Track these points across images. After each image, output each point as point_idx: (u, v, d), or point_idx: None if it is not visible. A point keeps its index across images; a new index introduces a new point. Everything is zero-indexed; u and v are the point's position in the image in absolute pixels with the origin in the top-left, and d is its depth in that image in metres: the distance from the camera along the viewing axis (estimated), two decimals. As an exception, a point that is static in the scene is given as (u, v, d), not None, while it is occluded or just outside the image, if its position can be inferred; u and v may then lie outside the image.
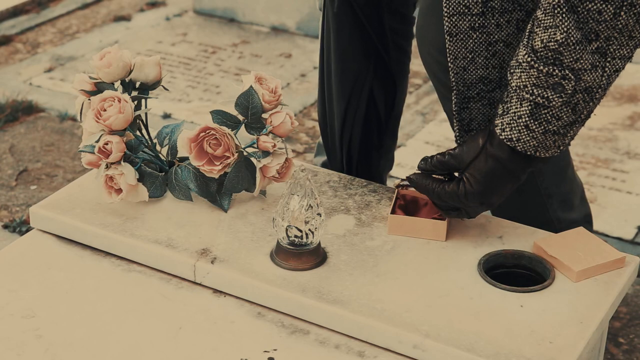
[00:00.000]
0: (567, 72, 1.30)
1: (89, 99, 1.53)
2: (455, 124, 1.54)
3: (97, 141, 1.49)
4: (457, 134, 1.55)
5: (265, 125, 1.52)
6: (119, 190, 1.50)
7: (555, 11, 1.28)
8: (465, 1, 1.43)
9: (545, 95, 1.32)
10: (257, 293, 1.39)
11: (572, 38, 1.29)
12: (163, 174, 1.57)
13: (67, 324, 1.34)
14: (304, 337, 1.34)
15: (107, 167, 1.50)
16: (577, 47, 1.29)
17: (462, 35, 1.45)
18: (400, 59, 1.85)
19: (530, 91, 1.33)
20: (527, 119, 1.34)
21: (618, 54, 1.31)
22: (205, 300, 1.40)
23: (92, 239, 1.50)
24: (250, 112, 1.52)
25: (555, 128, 1.35)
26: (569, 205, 1.78)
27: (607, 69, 1.31)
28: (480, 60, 1.47)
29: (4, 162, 2.72)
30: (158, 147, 1.58)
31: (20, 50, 3.50)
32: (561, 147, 1.38)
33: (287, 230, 1.40)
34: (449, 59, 1.49)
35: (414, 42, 1.86)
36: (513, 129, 1.36)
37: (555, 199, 1.74)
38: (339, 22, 1.75)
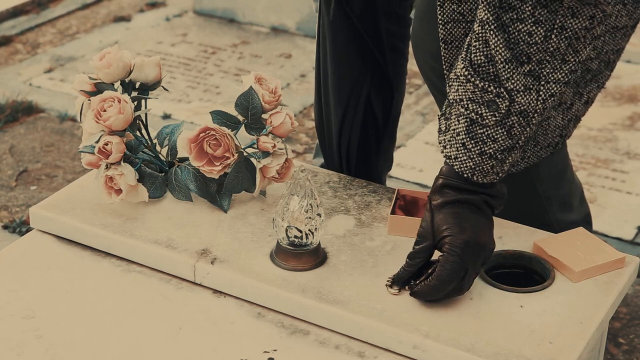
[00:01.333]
0: (501, 90, 1.29)
1: (89, 100, 1.53)
2: None
3: (97, 142, 1.49)
4: None
5: (265, 126, 1.52)
6: (119, 191, 1.50)
7: (485, 27, 1.28)
8: (460, 9, 1.43)
9: (480, 112, 1.31)
10: (257, 293, 1.39)
11: (499, 56, 1.28)
12: (163, 174, 1.57)
13: (67, 324, 1.34)
14: (304, 338, 1.34)
15: (107, 167, 1.50)
16: (506, 67, 1.28)
17: (457, 43, 1.45)
18: (397, 60, 1.85)
19: (466, 105, 1.32)
20: (464, 136, 1.33)
21: (552, 78, 1.29)
22: (205, 300, 1.40)
23: (92, 240, 1.50)
24: (250, 113, 1.52)
25: (491, 151, 1.32)
26: (569, 207, 1.78)
27: (541, 92, 1.29)
28: None
29: (3, 163, 2.72)
30: (158, 148, 1.58)
31: (20, 50, 3.50)
32: (500, 174, 1.35)
33: (287, 230, 1.40)
34: (444, 66, 1.49)
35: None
36: (452, 146, 1.34)
37: (554, 201, 1.74)
38: (335, 30, 1.75)
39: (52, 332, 1.33)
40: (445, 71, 1.48)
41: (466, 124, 1.32)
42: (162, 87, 1.61)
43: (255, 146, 1.52)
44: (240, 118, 1.53)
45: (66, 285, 1.42)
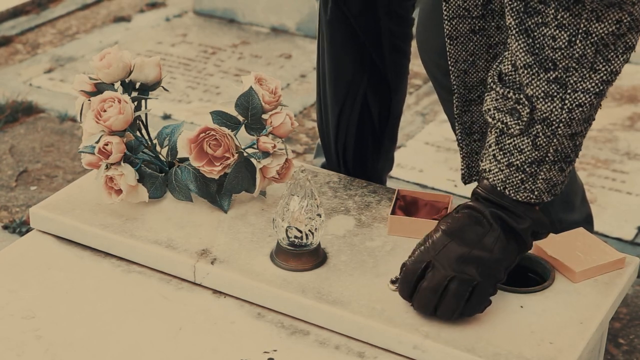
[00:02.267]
0: (521, 96, 1.26)
1: (89, 100, 1.53)
2: (457, 127, 1.54)
3: (97, 142, 1.49)
4: (459, 137, 1.55)
5: (265, 126, 1.52)
6: (119, 191, 1.50)
7: (509, 32, 1.26)
8: (466, 4, 1.42)
9: (505, 121, 1.28)
10: (257, 294, 1.39)
11: (519, 61, 1.25)
12: (163, 174, 1.57)
13: (67, 324, 1.34)
14: (304, 338, 1.34)
15: (107, 167, 1.50)
16: (526, 72, 1.25)
17: (462, 39, 1.45)
18: (399, 60, 1.85)
19: (493, 115, 1.30)
20: (494, 147, 1.31)
21: (580, 87, 1.24)
22: (205, 300, 1.40)
23: (92, 240, 1.50)
24: (250, 113, 1.52)
25: (518, 162, 1.29)
26: (570, 206, 1.78)
27: (567, 101, 1.24)
28: (481, 63, 1.47)
29: (3, 163, 2.72)
30: (158, 148, 1.58)
31: (20, 51, 3.50)
32: (535, 192, 1.30)
33: (287, 230, 1.40)
34: (449, 62, 1.48)
35: (413, 43, 1.86)
36: (486, 158, 1.32)
37: (556, 201, 1.74)
38: (332, 29, 1.75)
39: (52, 332, 1.33)
40: (450, 67, 1.48)
41: (495, 134, 1.30)
42: (162, 87, 1.61)
43: (255, 146, 1.52)
44: (241, 118, 1.53)
45: (66, 286, 1.42)
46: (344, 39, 1.75)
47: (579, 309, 1.36)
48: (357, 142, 1.85)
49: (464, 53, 1.46)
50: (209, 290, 1.42)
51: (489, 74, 1.31)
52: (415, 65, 2.25)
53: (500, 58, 1.30)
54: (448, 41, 1.46)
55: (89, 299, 1.40)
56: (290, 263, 1.41)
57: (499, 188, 1.30)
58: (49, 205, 1.56)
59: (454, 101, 1.52)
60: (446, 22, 1.44)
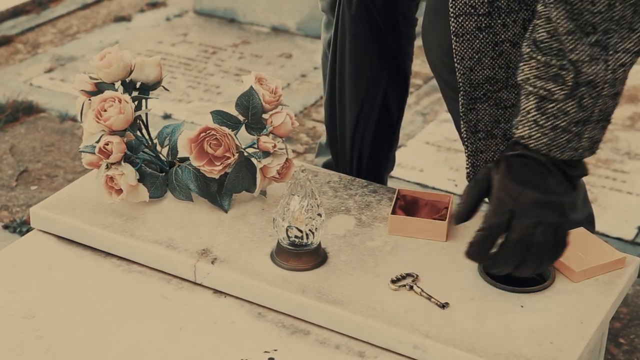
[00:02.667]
0: (565, 62, 1.28)
1: (90, 100, 1.53)
2: (462, 125, 1.54)
3: (98, 141, 1.49)
4: (464, 135, 1.55)
5: (266, 126, 1.52)
6: (120, 191, 1.50)
7: (547, 1, 1.27)
8: (472, 1, 1.42)
9: (548, 88, 1.30)
10: (257, 293, 1.39)
11: (561, 28, 1.27)
12: (163, 174, 1.57)
13: (67, 324, 1.34)
14: (304, 338, 1.34)
15: (108, 167, 1.50)
16: (569, 38, 1.27)
17: (468, 36, 1.45)
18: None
19: (533, 84, 1.31)
20: (535, 113, 1.31)
21: (621, 48, 1.28)
22: (205, 300, 1.40)
23: (93, 240, 1.50)
24: (251, 113, 1.52)
25: (564, 124, 1.30)
26: (572, 206, 1.78)
27: (610, 62, 1.28)
28: (486, 61, 1.47)
29: (4, 163, 2.72)
30: (158, 148, 1.58)
31: (20, 50, 3.50)
32: (579, 150, 1.33)
33: (287, 230, 1.40)
34: (455, 60, 1.49)
35: (416, 43, 1.85)
36: (524, 125, 1.33)
37: None
38: (356, 26, 1.74)
39: (53, 332, 1.33)
40: (456, 64, 1.48)
41: (536, 101, 1.31)
42: (163, 87, 1.61)
43: (255, 146, 1.52)
44: (241, 118, 1.53)
45: (66, 285, 1.42)
46: (369, 35, 1.74)
47: (580, 308, 1.36)
48: (374, 142, 1.84)
49: (469, 50, 1.46)
50: (209, 290, 1.42)
51: (524, 44, 1.33)
52: (417, 65, 2.25)
53: (532, 27, 1.31)
54: (454, 38, 1.46)
55: (90, 298, 1.40)
56: (290, 263, 1.41)
57: (543, 150, 1.32)
58: (49, 205, 1.56)
59: (460, 99, 1.52)
60: (452, 19, 1.44)
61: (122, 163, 1.50)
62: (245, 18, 3.71)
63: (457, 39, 1.46)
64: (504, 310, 1.35)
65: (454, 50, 1.48)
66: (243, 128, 1.53)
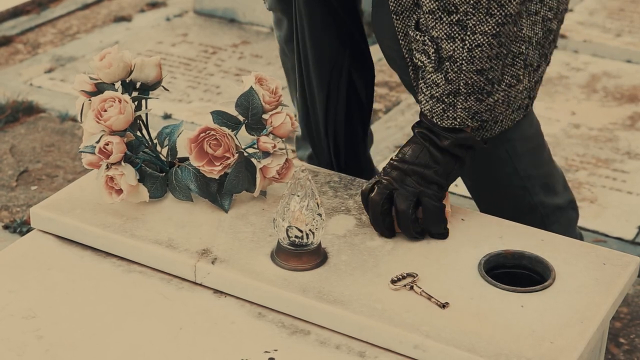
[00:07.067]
0: (426, 38, 1.45)
1: (90, 100, 1.53)
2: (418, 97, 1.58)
3: (98, 142, 1.49)
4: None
5: (266, 126, 1.52)
6: (120, 191, 1.50)
7: None
8: None
9: (422, 60, 1.47)
10: (257, 293, 1.39)
11: (425, 7, 1.43)
12: (163, 174, 1.57)
13: (67, 324, 1.34)
14: (304, 338, 1.34)
15: (108, 167, 1.50)
16: (430, 17, 1.43)
17: (407, 13, 1.53)
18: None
19: (414, 55, 1.49)
20: (421, 82, 1.49)
21: (479, 30, 1.41)
22: (205, 300, 1.40)
23: (93, 240, 1.50)
24: (251, 113, 1.52)
25: (437, 95, 1.46)
26: (552, 191, 1.79)
27: (467, 42, 1.41)
28: None
29: (4, 163, 2.72)
30: (158, 148, 1.58)
31: (20, 50, 3.50)
32: (458, 119, 1.46)
33: (287, 230, 1.40)
34: (399, 37, 1.56)
35: None
36: (419, 91, 1.50)
37: (535, 182, 1.76)
38: (311, 9, 1.75)
39: (53, 333, 1.33)
40: (400, 41, 1.56)
41: (421, 71, 1.49)
42: (163, 87, 1.61)
43: (255, 146, 1.52)
44: (241, 118, 1.53)
45: (67, 286, 1.42)
46: (323, 16, 1.75)
47: (580, 308, 1.36)
48: (347, 124, 1.84)
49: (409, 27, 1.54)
50: (209, 290, 1.42)
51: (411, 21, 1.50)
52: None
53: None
54: (394, 17, 1.54)
55: (90, 299, 1.40)
56: (290, 263, 1.42)
57: (428, 116, 1.49)
58: (49, 205, 1.56)
59: (410, 73, 1.59)
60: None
61: (122, 163, 1.50)
62: (245, 18, 3.71)
63: (397, 17, 1.54)
64: (504, 310, 1.35)
65: (395, 29, 1.56)
66: (243, 128, 1.53)
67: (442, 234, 1.49)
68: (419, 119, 1.52)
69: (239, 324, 1.36)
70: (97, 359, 1.29)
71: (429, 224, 1.48)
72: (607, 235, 2.40)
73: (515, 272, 1.44)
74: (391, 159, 1.50)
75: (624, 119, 3.01)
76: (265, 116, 1.53)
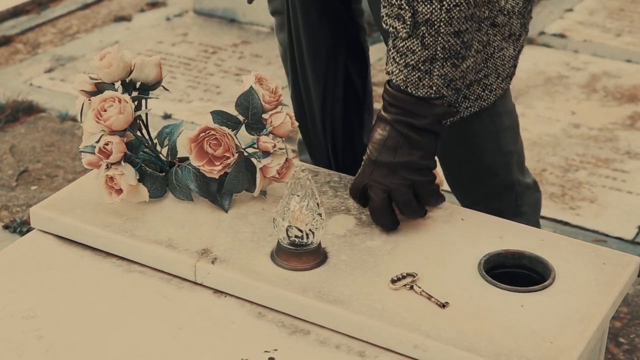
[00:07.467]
0: (403, 2, 1.40)
1: (90, 100, 1.53)
2: None
3: (98, 141, 1.49)
4: None
5: (266, 126, 1.52)
6: (120, 191, 1.50)
7: None
8: None
9: (395, 26, 1.42)
10: (257, 293, 1.39)
11: None
12: (163, 174, 1.57)
13: (67, 324, 1.34)
14: (304, 337, 1.34)
15: (108, 167, 1.50)
16: None
17: None
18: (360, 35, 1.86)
19: (386, 22, 1.44)
20: (392, 50, 1.44)
21: None
22: (205, 300, 1.40)
23: (93, 240, 1.50)
24: (251, 113, 1.52)
25: (413, 62, 1.42)
26: (523, 169, 1.84)
27: (444, 2, 1.38)
28: None
29: (4, 163, 2.72)
30: (158, 148, 1.58)
31: (20, 50, 3.50)
32: (434, 88, 1.43)
33: (287, 230, 1.40)
34: (382, 4, 1.54)
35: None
36: (388, 61, 1.46)
37: (514, 158, 1.79)
38: (306, 1, 1.75)
39: (53, 333, 1.33)
40: (383, 8, 1.55)
41: (391, 39, 1.44)
42: (163, 87, 1.61)
43: (255, 146, 1.52)
44: (241, 118, 1.53)
45: (67, 286, 1.42)
46: (317, 7, 1.75)
47: (580, 308, 1.36)
48: (345, 118, 1.84)
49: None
50: (209, 290, 1.42)
51: None
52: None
53: None
54: None
55: (90, 298, 1.40)
56: (290, 262, 1.42)
57: (402, 87, 1.44)
58: (49, 205, 1.56)
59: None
60: None
61: (122, 163, 1.50)
62: (245, 18, 3.71)
63: None
64: (504, 310, 1.35)
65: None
66: (243, 128, 1.53)
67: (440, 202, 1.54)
68: (383, 99, 1.48)
69: (239, 323, 1.36)
70: (97, 359, 1.29)
71: (430, 204, 1.52)
72: (607, 235, 2.40)
73: (515, 272, 1.44)
74: (369, 150, 1.48)
75: (624, 118, 3.01)
76: (265, 116, 1.53)
